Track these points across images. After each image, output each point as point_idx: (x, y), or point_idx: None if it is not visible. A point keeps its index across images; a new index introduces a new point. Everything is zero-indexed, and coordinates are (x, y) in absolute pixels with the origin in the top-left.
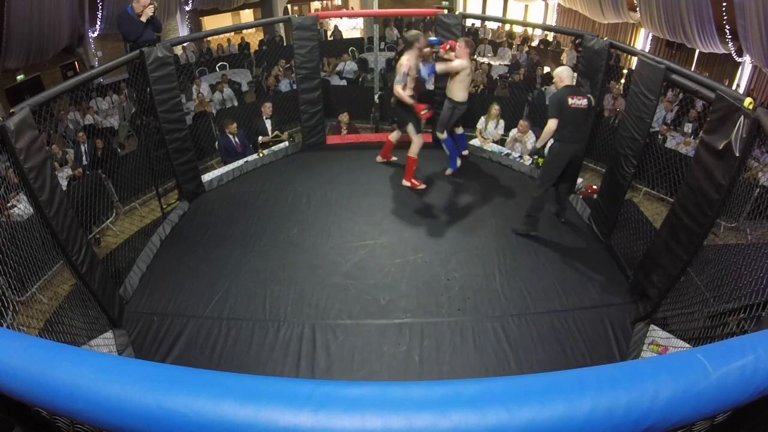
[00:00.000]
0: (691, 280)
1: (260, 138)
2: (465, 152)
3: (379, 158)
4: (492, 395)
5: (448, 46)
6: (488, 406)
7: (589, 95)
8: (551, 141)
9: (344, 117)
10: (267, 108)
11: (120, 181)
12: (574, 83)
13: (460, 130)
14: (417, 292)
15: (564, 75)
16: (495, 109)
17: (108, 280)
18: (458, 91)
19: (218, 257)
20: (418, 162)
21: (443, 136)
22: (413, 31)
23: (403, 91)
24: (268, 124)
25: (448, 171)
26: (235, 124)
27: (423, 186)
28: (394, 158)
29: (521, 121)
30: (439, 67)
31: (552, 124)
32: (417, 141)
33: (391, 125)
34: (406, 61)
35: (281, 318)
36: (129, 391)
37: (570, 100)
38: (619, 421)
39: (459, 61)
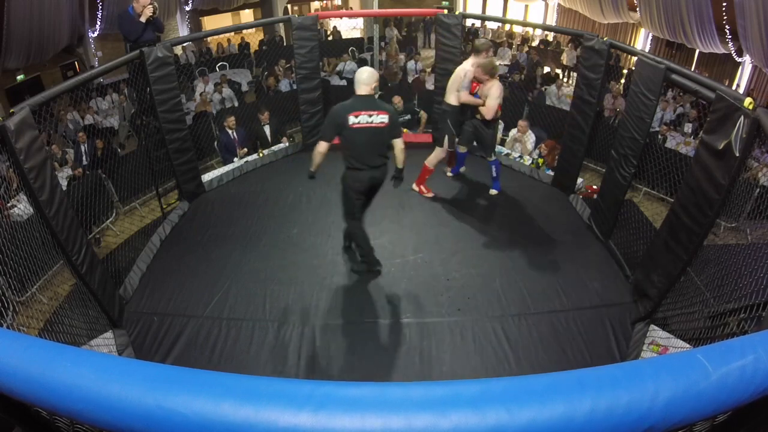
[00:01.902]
0: (691, 280)
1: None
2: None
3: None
4: (492, 395)
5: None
6: (488, 406)
7: (390, 109)
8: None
9: None
10: (265, 116)
11: (120, 181)
12: (374, 91)
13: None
14: (417, 292)
15: (359, 80)
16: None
17: (108, 280)
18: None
19: (218, 257)
20: (432, 172)
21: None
22: (483, 40)
23: (470, 96)
24: (267, 129)
25: (450, 174)
26: (233, 118)
27: (431, 194)
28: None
29: (520, 121)
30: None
31: (320, 146)
32: (441, 153)
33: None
34: (470, 66)
35: (281, 318)
36: (129, 391)
37: (353, 119)
38: (619, 421)
39: (489, 90)
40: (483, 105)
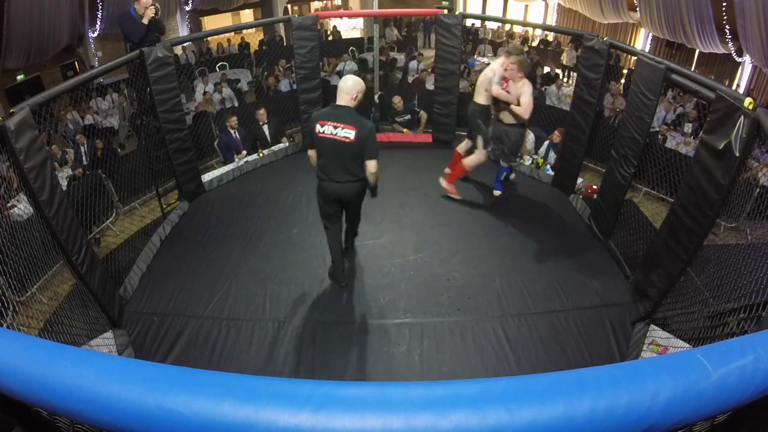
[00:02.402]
0: (691, 280)
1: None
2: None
3: (447, 170)
4: (492, 395)
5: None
6: (488, 406)
7: (362, 126)
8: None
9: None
10: (262, 115)
11: (120, 181)
12: (355, 102)
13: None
14: (417, 292)
15: (340, 87)
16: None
17: (108, 280)
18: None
19: (218, 257)
20: (467, 174)
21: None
22: (518, 45)
23: (501, 90)
24: (266, 129)
25: (497, 193)
26: (235, 118)
27: (458, 197)
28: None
29: None
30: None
31: (309, 152)
32: (480, 156)
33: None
34: (499, 66)
35: (281, 318)
36: (129, 391)
37: (319, 128)
38: (619, 421)
39: (521, 88)
40: (516, 103)
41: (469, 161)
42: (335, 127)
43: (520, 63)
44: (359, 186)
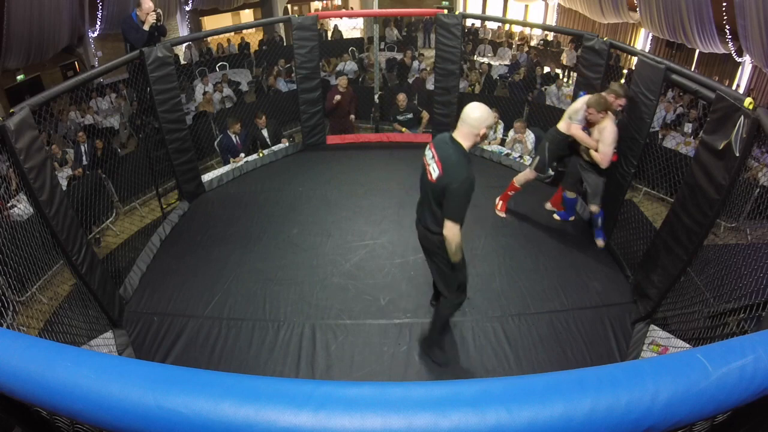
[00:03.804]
0: (691, 280)
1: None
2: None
3: (548, 205)
4: (492, 395)
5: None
6: (488, 406)
7: (448, 167)
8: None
9: (343, 80)
10: (262, 121)
11: (120, 181)
12: (466, 137)
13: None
14: (417, 292)
15: (463, 115)
16: (494, 116)
17: (108, 280)
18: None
19: (218, 257)
20: (518, 191)
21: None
22: (624, 86)
23: (580, 131)
24: (266, 133)
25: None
26: (239, 125)
27: (504, 215)
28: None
29: (516, 122)
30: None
31: None
32: (530, 175)
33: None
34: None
35: (281, 318)
36: (129, 391)
37: (426, 150)
38: (619, 421)
39: (602, 132)
40: (595, 148)
41: (519, 178)
42: (432, 158)
43: (597, 103)
44: (439, 240)
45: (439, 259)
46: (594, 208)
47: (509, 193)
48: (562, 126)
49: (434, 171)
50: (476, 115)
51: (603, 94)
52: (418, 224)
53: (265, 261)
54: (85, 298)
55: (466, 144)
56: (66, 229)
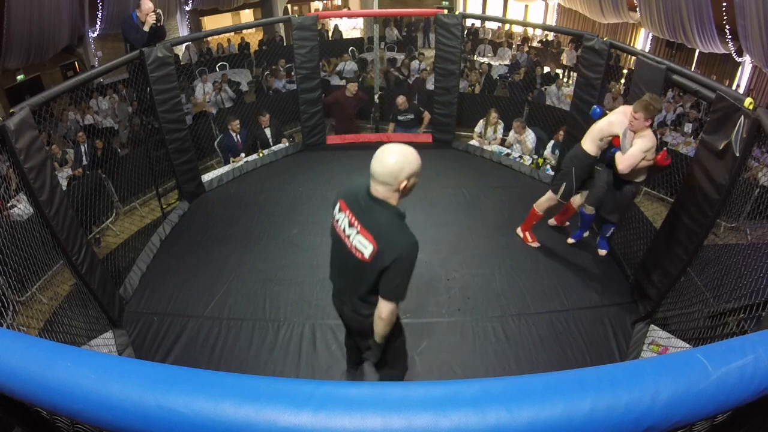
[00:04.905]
0: (691, 280)
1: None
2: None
3: (552, 221)
4: (492, 395)
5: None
6: (488, 406)
7: (383, 240)
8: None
9: (352, 86)
10: (265, 120)
11: (120, 181)
12: (389, 193)
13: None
14: (417, 292)
15: (375, 167)
16: (494, 116)
17: (108, 280)
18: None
19: (218, 257)
20: (541, 218)
21: (591, 210)
22: (655, 98)
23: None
24: (268, 132)
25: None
26: (238, 122)
27: (537, 244)
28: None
29: (515, 121)
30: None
31: None
32: (553, 200)
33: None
34: (622, 115)
35: (281, 318)
36: (129, 391)
37: (336, 211)
38: (619, 421)
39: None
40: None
41: (540, 204)
42: (351, 225)
43: (646, 109)
44: (370, 323)
45: (373, 339)
46: (611, 218)
47: (533, 222)
48: (588, 146)
49: (363, 247)
50: (391, 162)
51: (647, 101)
52: (340, 304)
53: (265, 261)
54: (85, 298)
55: (393, 201)
56: (66, 229)
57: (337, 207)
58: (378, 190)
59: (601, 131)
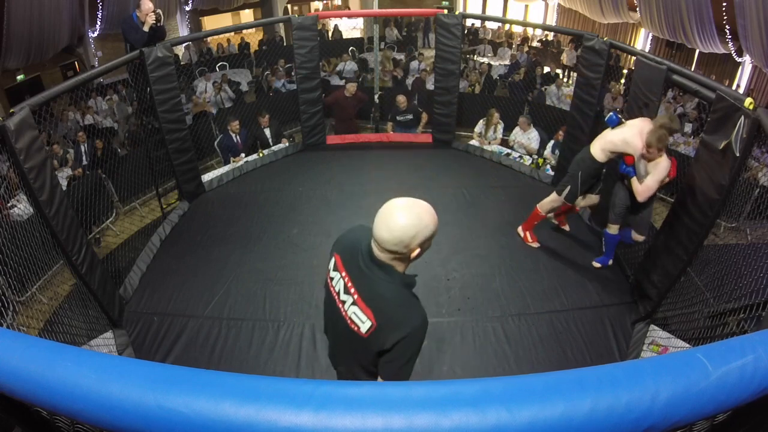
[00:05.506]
0: (691, 280)
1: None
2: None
3: (554, 220)
4: (492, 395)
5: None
6: (488, 405)
7: (383, 316)
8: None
9: (351, 87)
10: (265, 120)
11: (120, 181)
12: (391, 258)
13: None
14: (417, 292)
15: (379, 229)
16: (495, 117)
17: (108, 280)
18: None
19: (218, 257)
20: (542, 218)
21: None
22: (673, 117)
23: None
24: (268, 132)
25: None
26: (237, 123)
27: (537, 244)
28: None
29: (521, 118)
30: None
31: None
32: (557, 201)
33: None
34: (639, 134)
35: (281, 318)
36: (129, 391)
37: (331, 268)
38: (619, 421)
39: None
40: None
41: (543, 205)
42: (347, 291)
43: (658, 141)
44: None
45: None
46: (614, 230)
47: (534, 222)
48: (597, 153)
49: (360, 321)
50: (400, 224)
51: (659, 127)
52: (335, 365)
53: (265, 261)
54: (85, 298)
55: (400, 267)
56: (66, 229)
57: (332, 263)
58: (381, 256)
59: (615, 146)
